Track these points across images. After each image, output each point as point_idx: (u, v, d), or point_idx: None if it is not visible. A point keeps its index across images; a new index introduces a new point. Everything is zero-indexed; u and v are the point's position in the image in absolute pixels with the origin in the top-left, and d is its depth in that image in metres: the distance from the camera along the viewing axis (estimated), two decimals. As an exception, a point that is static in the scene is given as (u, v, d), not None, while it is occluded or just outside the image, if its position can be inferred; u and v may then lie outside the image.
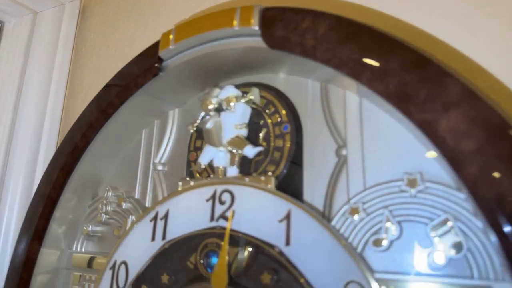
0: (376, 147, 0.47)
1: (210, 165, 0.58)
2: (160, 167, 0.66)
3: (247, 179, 0.52)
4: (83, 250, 0.68)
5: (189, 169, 0.61)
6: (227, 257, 0.48)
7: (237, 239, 0.51)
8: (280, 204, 0.48)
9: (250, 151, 0.53)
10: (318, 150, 0.52)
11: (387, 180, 0.44)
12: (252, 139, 0.55)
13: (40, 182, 0.65)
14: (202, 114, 0.57)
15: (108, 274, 0.59)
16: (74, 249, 0.69)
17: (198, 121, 0.58)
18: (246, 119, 0.55)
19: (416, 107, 0.37)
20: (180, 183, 0.57)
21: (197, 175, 0.59)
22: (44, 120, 0.93)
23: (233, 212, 0.50)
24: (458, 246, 0.39)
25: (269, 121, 0.56)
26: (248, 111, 0.55)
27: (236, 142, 0.54)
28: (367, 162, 0.47)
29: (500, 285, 0.36)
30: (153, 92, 0.62)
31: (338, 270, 0.42)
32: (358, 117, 0.50)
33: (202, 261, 0.53)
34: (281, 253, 0.46)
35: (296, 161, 0.53)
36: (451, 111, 0.35)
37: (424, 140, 0.43)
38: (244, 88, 0.57)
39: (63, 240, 0.67)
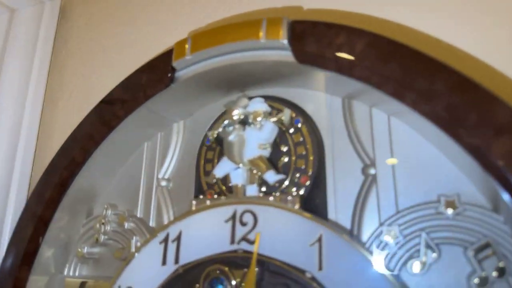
0: (407, 167, 0.47)
1: (224, 182, 0.55)
2: (164, 183, 0.62)
3: (271, 198, 0.49)
4: (76, 274, 0.62)
5: (200, 181, 0.57)
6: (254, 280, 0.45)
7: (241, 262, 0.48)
8: (311, 227, 0.46)
9: (271, 177, 0.50)
10: (342, 168, 0.51)
11: (422, 202, 0.44)
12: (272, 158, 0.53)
13: (29, 200, 0.59)
14: (226, 122, 0.54)
15: (110, 302, 0.54)
16: (66, 273, 0.62)
17: (220, 129, 0.54)
18: (272, 139, 0.52)
19: (466, 131, 0.36)
20: (194, 202, 0.54)
21: (210, 192, 0.56)
22: (21, 127, 0.85)
23: (259, 235, 0.47)
24: (500, 270, 0.38)
25: (291, 143, 0.53)
26: (275, 131, 0.52)
27: (258, 164, 0.51)
28: (398, 182, 0.47)
29: (546, 309, 0.36)
30: (159, 103, 0.58)
31: (377, 296, 0.41)
32: (387, 135, 0.49)
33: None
34: (313, 278, 0.44)
35: (319, 178, 0.51)
36: (504, 136, 0.35)
37: (461, 162, 0.43)
38: (270, 102, 0.54)
39: (53, 263, 0.61)
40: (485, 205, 0.42)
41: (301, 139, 0.53)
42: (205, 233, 0.51)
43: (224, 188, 0.56)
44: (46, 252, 0.59)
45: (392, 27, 0.53)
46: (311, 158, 0.52)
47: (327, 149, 0.52)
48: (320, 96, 0.54)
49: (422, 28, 0.51)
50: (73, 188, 0.58)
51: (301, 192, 0.50)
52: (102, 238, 0.60)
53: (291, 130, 0.53)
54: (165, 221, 0.60)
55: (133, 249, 0.57)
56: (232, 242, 0.50)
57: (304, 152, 0.52)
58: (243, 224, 0.50)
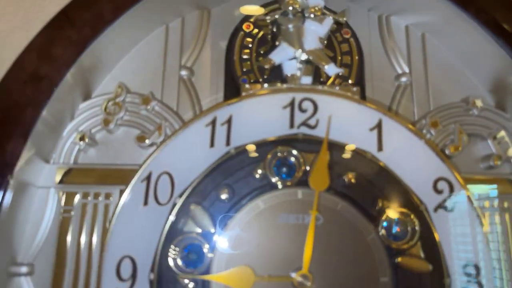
0: (438, 76, 0.56)
1: (261, 72, 0.54)
2: (185, 72, 0.56)
3: (337, 87, 0.51)
4: (71, 161, 0.50)
5: (232, 69, 0.54)
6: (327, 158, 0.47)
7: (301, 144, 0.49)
8: (370, 114, 0.50)
9: (332, 69, 0.52)
10: (379, 76, 0.57)
11: (453, 102, 0.54)
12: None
13: (24, 56, 0.44)
14: (283, 9, 0.53)
15: (139, 188, 0.46)
16: (56, 160, 0.49)
17: (278, 16, 0.52)
18: (327, 35, 0.54)
19: None
20: (247, 86, 0.51)
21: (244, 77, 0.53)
22: None
23: (330, 118, 0.49)
24: (511, 150, 0.52)
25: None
26: (330, 28, 0.54)
27: (319, 56, 0.52)
28: (431, 88, 0.56)
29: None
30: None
31: (428, 169, 0.49)
32: (421, 49, 0.58)
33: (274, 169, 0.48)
34: (374, 157, 0.49)
35: (358, 80, 0.55)
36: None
37: (481, 76, 0.55)
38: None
39: (43, 146, 0.48)
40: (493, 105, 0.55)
41: (348, 49, 0.56)
42: (260, 117, 0.50)
43: (260, 79, 0.54)
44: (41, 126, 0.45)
45: None
46: (356, 55, 0.55)
47: (366, 60, 0.57)
48: (356, 9, 0.59)
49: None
50: (91, 50, 0.46)
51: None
52: (115, 121, 0.50)
53: (340, 39, 0.56)
54: (190, 114, 0.54)
55: (163, 134, 0.50)
56: (292, 126, 0.50)
57: (349, 62, 0.55)
58: (303, 110, 0.50)
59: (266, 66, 0.52)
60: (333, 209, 0.47)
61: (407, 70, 0.57)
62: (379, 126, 0.50)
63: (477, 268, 0.46)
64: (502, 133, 0.52)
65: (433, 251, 0.46)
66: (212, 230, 0.46)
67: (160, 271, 0.44)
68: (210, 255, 0.45)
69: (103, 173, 0.49)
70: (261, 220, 0.46)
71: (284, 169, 0.49)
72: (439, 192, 0.48)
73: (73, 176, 0.49)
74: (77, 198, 0.48)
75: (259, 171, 0.48)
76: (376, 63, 0.57)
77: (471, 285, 0.45)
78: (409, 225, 0.46)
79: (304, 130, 0.50)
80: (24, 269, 0.46)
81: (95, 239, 0.47)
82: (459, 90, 0.56)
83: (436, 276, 0.45)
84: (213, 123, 0.49)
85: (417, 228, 0.46)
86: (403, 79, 0.57)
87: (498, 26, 0.48)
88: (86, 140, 0.50)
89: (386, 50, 0.58)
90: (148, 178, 0.47)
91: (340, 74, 0.53)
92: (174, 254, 0.45)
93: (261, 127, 0.50)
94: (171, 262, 0.44)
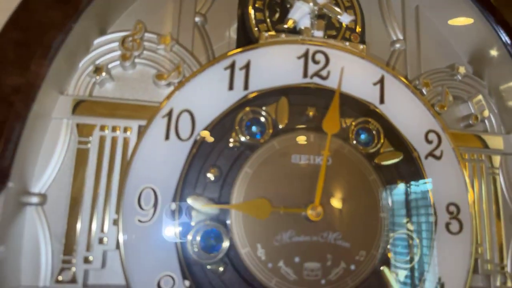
0: (429, 44, 0.63)
1: (273, 25, 0.56)
2: (198, 18, 0.57)
3: (347, 43, 0.55)
4: (85, 93, 0.49)
5: (245, 18, 0.55)
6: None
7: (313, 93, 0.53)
8: (375, 70, 0.55)
9: (346, 17, 0.56)
10: (376, 39, 0.62)
11: (441, 67, 0.61)
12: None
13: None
14: None
15: (160, 123, 0.47)
16: (70, 92, 0.48)
17: None
18: None
19: (500, 11, 0.54)
20: (266, 34, 0.53)
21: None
22: None
23: (342, 70, 0.53)
24: (486, 112, 0.60)
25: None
26: None
27: (332, 7, 0.56)
28: (422, 54, 0.62)
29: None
30: None
31: (421, 122, 0.55)
32: (414, 19, 0.64)
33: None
34: (376, 107, 0.54)
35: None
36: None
37: (461, 47, 0.62)
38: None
39: (58, 76, 0.46)
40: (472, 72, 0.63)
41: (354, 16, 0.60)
42: (276, 65, 0.52)
43: (272, 30, 0.56)
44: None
45: None
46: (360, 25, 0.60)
47: (366, 26, 0.61)
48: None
49: None
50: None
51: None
52: (133, 57, 0.50)
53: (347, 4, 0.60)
54: (204, 58, 0.56)
55: (182, 74, 0.51)
56: (305, 76, 0.53)
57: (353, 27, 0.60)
58: (316, 62, 0.54)
59: (287, 26, 0.54)
60: (340, 152, 0.52)
61: (401, 37, 0.63)
62: (381, 81, 0.55)
63: (457, 207, 0.53)
64: (480, 97, 0.60)
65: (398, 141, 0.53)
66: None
67: (182, 201, 0.46)
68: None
69: (119, 107, 0.49)
70: (275, 160, 0.50)
71: (254, 129, 0.50)
72: (429, 142, 0.54)
73: (87, 108, 0.48)
74: (95, 130, 0.48)
75: (231, 140, 0.49)
76: (375, 30, 0.63)
77: (453, 221, 0.53)
78: (372, 129, 0.53)
79: (317, 80, 0.53)
80: (35, 199, 0.46)
81: (114, 170, 0.47)
82: (444, 58, 0.63)
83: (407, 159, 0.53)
84: (232, 67, 0.51)
85: (379, 128, 0.53)
86: (398, 45, 0.63)
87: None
88: (103, 74, 0.49)
89: (384, 19, 0.64)
90: (169, 114, 0.48)
91: (353, 20, 0.56)
92: (194, 247, 0.45)
93: (277, 74, 0.52)
94: (194, 256, 0.44)
